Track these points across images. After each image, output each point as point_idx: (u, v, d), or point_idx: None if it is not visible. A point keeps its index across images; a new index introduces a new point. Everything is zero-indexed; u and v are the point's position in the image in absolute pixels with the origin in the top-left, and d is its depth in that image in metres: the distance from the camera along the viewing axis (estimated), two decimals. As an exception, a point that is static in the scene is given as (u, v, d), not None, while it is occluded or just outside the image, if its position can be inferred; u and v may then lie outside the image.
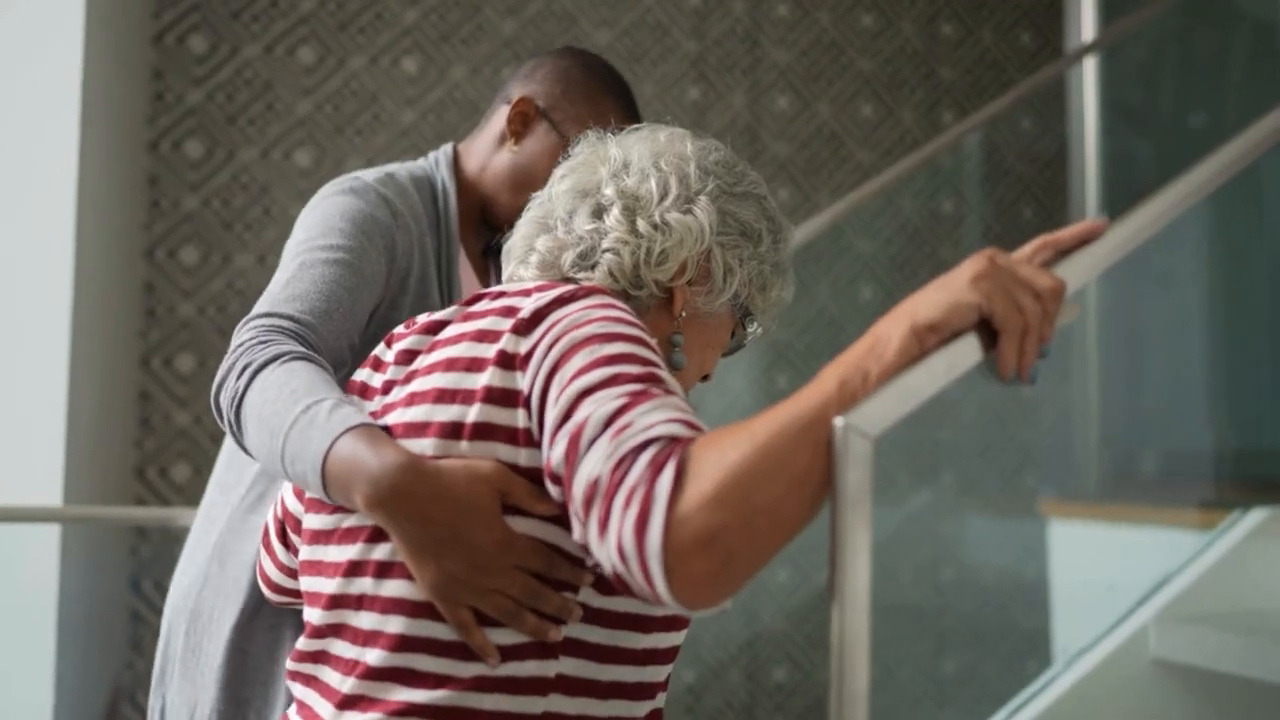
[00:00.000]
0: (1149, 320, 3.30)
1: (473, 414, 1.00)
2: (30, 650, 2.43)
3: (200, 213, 3.15)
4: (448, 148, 1.55)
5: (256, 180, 3.21)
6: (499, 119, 1.53)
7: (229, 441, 1.50)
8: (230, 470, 1.49)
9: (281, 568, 1.26)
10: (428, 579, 0.99)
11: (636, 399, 0.91)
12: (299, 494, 1.19)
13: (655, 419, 0.88)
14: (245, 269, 3.17)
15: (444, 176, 1.51)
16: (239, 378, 1.16)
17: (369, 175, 1.44)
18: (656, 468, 0.83)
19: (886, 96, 3.73)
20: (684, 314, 1.16)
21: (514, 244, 1.20)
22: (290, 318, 1.26)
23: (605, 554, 0.86)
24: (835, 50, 3.69)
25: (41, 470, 2.43)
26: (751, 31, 3.65)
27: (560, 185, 1.18)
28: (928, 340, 0.87)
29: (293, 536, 1.21)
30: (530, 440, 0.99)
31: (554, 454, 0.93)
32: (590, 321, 0.99)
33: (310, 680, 1.09)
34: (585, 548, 0.94)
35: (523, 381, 1.00)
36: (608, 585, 1.00)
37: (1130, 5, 3.46)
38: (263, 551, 1.30)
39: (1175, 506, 2.61)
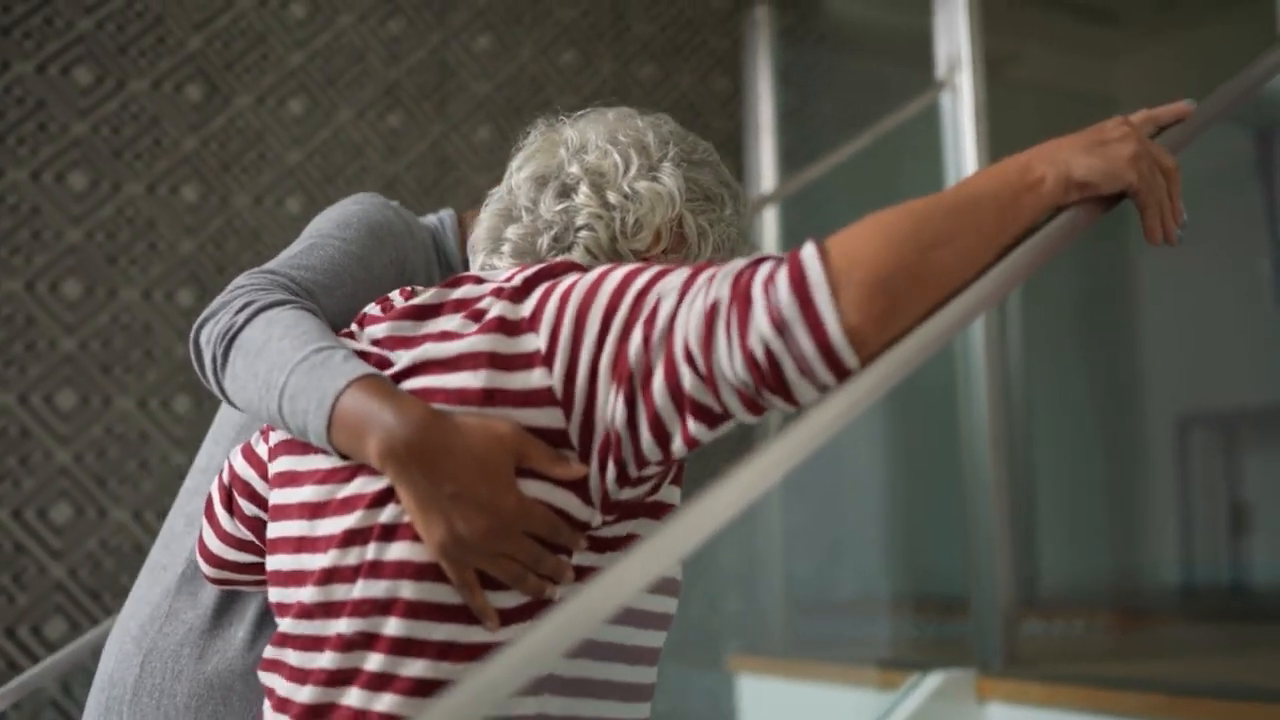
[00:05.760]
0: (833, 474, 3.21)
1: (480, 380, 0.99)
2: None
3: (-37, 235, 2.98)
4: (449, 214, 1.52)
5: (26, 201, 3.07)
6: None
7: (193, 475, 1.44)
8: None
9: (225, 538, 1.23)
10: (435, 538, 0.96)
11: (697, 268, 0.95)
12: (253, 461, 1.17)
13: (736, 262, 0.93)
14: (13, 294, 3.02)
15: (450, 240, 1.48)
16: (238, 313, 1.11)
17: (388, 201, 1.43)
18: (785, 259, 0.87)
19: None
20: None
21: (478, 237, 1.20)
22: (294, 279, 1.21)
23: (754, 340, 0.87)
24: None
25: None
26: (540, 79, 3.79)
27: (521, 174, 1.18)
28: (1072, 195, 0.92)
29: (241, 502, 1.19)
30: (549, 399, 0.98)
31: (633, 351, 0.94)
32: (598, 278, 1.00)
33: (279, 666, 1.05)
34: (606, 500, 0.97)
35: (537, 341, 0.99)
36: (602, 544, 1.01)
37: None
38: (205, 524, 1.26)
39: (855, 665, 2.51)
